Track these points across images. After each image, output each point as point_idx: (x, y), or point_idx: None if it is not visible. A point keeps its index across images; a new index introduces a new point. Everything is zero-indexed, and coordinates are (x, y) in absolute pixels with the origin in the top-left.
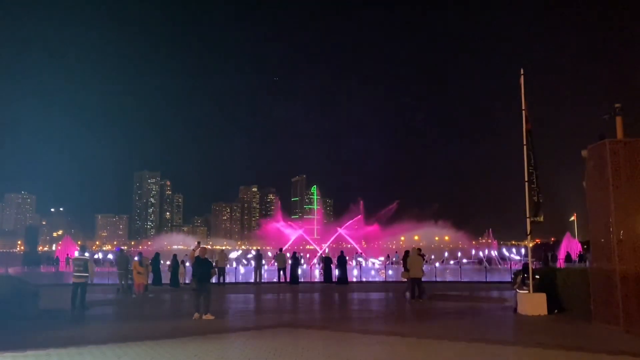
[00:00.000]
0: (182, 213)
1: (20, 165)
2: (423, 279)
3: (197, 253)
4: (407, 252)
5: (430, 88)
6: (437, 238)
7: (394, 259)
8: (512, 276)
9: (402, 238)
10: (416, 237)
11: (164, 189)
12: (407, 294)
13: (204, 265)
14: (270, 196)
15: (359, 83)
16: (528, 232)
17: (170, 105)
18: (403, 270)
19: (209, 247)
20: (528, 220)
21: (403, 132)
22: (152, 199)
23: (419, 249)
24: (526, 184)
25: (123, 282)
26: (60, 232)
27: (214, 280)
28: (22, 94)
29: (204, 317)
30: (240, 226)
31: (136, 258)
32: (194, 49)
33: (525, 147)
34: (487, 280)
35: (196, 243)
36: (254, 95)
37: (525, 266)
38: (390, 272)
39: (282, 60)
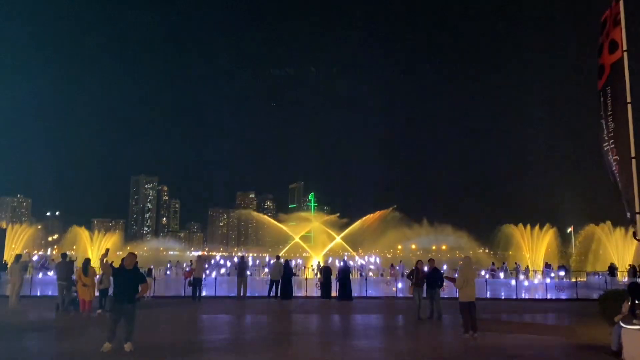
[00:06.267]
0: (179, 219)
1: (16, 168)
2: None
3: (122, 260)
4: (418, 263)
5: (431, 91)
6: (434, 247)
7: (397, 269)
8: (599, 299)
9: (400, 247)
10: (413, 247)
11: (161, 194)
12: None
13: (129, 279)
14: (268, 202)
15: (359, 87)
16: (638, 237)
17: (168, 110)
18: (411, 284)
19: (205, 253)
20: (638, 216)
21: (402, 136)
22: (149, 204)
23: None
24: (633, 160)
25: (65, 296)
26: (55, 237)
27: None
28: (18, 96)
29: (125, 346)
30: (237, 232)
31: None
32: (194, 53)
33: (629, 105)
34: (517, 297)
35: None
36: (252, 101)
37: (635, 287)
38: (399, 285)
39: (281, 66)
